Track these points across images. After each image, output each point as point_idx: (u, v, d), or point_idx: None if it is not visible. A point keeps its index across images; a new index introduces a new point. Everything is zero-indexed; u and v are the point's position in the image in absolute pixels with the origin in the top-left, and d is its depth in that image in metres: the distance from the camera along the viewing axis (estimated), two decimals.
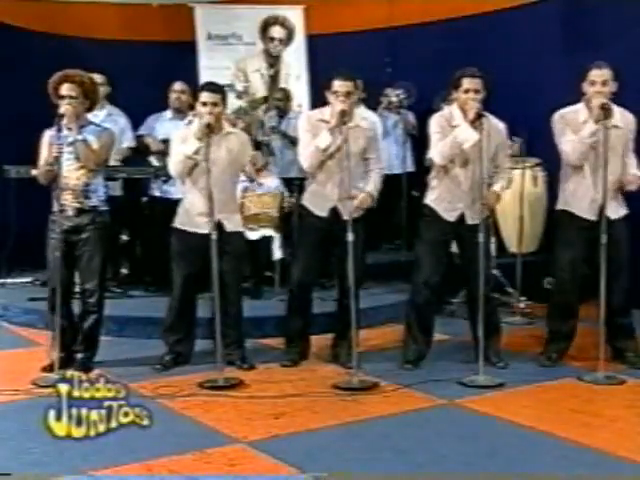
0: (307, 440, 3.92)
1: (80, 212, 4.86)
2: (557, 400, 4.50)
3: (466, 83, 4.85)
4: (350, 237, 4.71)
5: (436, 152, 4.95)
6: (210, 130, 4.81)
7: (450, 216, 5.01)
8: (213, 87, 5.06)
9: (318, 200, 5.08)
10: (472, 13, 7.75)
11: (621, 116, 4.99)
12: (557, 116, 5.06)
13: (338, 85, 4.92)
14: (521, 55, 7.34)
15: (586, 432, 3.99)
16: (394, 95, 7.58)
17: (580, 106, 5.05)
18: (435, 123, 5.00)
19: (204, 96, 4.95)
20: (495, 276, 6.43)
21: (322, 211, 5.07)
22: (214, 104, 4.92)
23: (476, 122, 4.80)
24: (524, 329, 5.74)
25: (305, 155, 5.01)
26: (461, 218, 5.01)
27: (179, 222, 5.12)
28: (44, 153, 4.86)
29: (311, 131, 5.00)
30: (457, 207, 5.00)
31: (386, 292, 6.02)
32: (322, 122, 4.99)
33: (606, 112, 4.78)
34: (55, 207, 4.83)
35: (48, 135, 4.86)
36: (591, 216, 4.98)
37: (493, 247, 6.29)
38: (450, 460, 3.68)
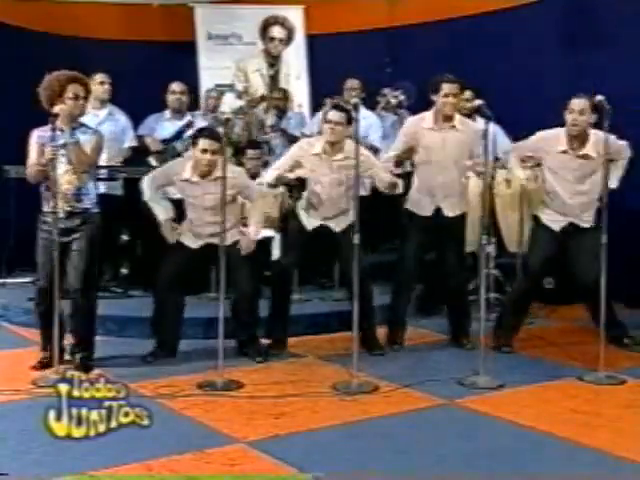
0: (307, 440, 3.92)
1: (71, 214, 4.84)
2: (557, 400, 4.50)
3: (445, 88, 5.21)
4: (356, 239, 4.76)
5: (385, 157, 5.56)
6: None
7: (426, 211, 5.38)
8: (213, 134, 5.13)
9: (308, 216, 5.41)
10: (472, 13, 7.74)
11: (595, 145, 5.15)
12: (536, 136, 5.37)
13: (332, 115, 5.24)
14: (521, 55, 7.34)
15: (586, 432, 3.99)
16: (392, 96, 7.57)
17: (561, 132, 5.26)
18: (406, 126, 5.50)
19: (203, 143, 5.03)
20: (495, 275, 6.47)
21: (310, 225, 5.41)
22: (213, 152, 5.03)
23: (450, 122, 5.28)
24: (524, 329, 5.73)
25: (269, 173, 5.51)
26: (438, 211, 5.38)
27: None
28: (33, 153, 4.85)
29: (294, 157, 5.39)
30: (433, 201, 5.37)
31: (386, 292, 6.00)
32: (310, 155, 5.33)
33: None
34: (46, 208, 4.82)
35: (37, 135, 4.84)
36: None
37: (493, 247, 6.30)
38: (450, 460, 3.68)
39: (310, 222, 5.39)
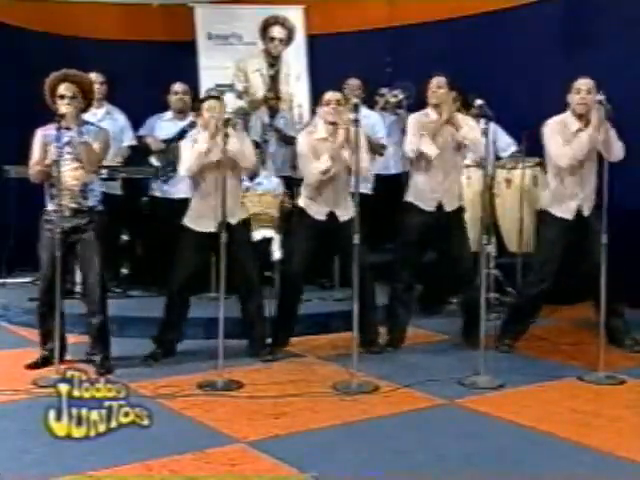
0: (307, 440, 3.91)
1: (77, 212, 4.86)
2: (557, 400, 4.50)
3: (432, 81, 5.39)
4: (356, 239, 4.76)
5: (408, 148, 5.42)
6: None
7: (429, 206, 5.38)
8: (214, 95, 5.39)
9: (315, 205, 5.34)
10: (472, 13, 7.74)
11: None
12: (547, 125, 5.33)
13: (330, 95, 5.28)
14: (521, 55, 7.34)
15: (586, 432, 3.98)
16: (391, 95, 7.57)
17: (566, 116, 5.30)
18: (413, 122, 5.42)
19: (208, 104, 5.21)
20: (495, 275, 6.47)
21: (321, 215, 5.33)
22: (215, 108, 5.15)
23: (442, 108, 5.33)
24: None
25: (308, 175, 5.32)
26: (439, 207, 5.36)
27: (187, 220, 5.25)
28: (36, 152, 4.86)
29: (312, 151, 5.29)
30: (434, 197, 5.37)
31: (386, 292, 6.01)
32: (321, 141, 5.29)
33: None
34: (50, 207, 4.84)
35: (41, 135, 4.85)
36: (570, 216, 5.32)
37: (493, 247, 6.30)
38: (450, 460, 3.68)
39: (318, 211, 5.33)
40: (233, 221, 5.12)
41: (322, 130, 5.33)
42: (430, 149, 5.29)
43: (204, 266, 5.41)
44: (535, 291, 5.47)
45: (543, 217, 5.47)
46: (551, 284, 5.41)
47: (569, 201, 5.32)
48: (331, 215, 5.31)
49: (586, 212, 5.33)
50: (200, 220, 5.19)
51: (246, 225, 5.40)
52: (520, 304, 5.59)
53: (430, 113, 5.42)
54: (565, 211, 5.33)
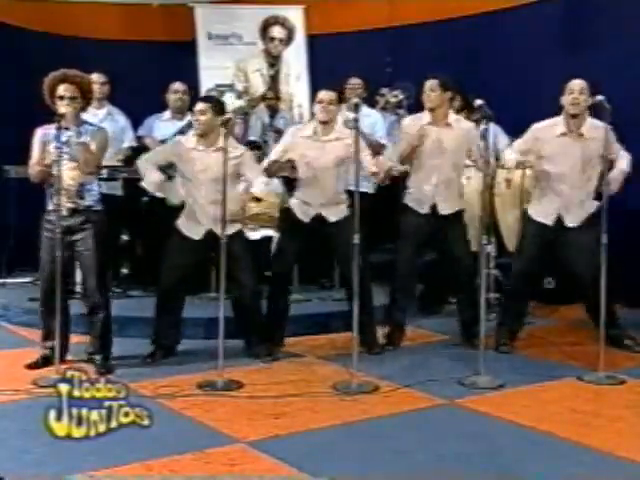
0: (307, 440, 3.92)
1: (74, 212, 4.85)
2: (557, 400, 4.50)
3: (425, 84, 5.38)
4: (356, 239, 4.75)
5: (393, 152, 5.56)
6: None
7: (423, 209, 5.41)
8: (204, 97, 5.43)
9: (302, 206, 5.35)
10: (472, 13, 7.75)
11: (590, 127, 5.21)
12: (532, 128, 5.41)
13: (323, 94, 5.24)
14: (521, 55, 7.34)
15: (586, 432, 3.99)
16: (391, 95, 7.57)
17: (558, 119, 5.33)
18: (405, 125, 5.55)
19: (196, 105, 5.21)
20: (495, 275, 6.47)
21: (306, 217, 5.34)
22: (202, 112, 5.11)
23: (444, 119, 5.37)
24: (524, 329, 5.73)
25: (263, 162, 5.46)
26: (434, 210, 5.41)
27: (180, 223, 5.23)
28: (36, 152, 4.87)
29: (286, 144, 5.38)
30: (428, 199, 5.40)
31: (385, 292, 6.01)
32: (300, 138, 5.34)
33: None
34: (50, 207, 4.84)
35: (41, 134, 4.86)
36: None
37: (493, 247, 6.30)
38: (450, 460, 3.68)
39: (305, 213, 5.33)
40: (226, 233, 4.94)
41: (310, 128, 5.35)
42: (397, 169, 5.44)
43: (193, 270, 5.34)
44: (513, 289, 5.55)
45: (525, 217, 5.53)
46: (531, 283, 5.59)
47: (549, 206, 5.33)
48: (318, 217, 5.30)
49: (569, 221, 5.29)
50: (190, 225, 5.18)
51: (240, 236, 5.25)
52: (505, 302, 5.67)
53: (423, 116, 5.43)
54: (543, 216, 5.35)
